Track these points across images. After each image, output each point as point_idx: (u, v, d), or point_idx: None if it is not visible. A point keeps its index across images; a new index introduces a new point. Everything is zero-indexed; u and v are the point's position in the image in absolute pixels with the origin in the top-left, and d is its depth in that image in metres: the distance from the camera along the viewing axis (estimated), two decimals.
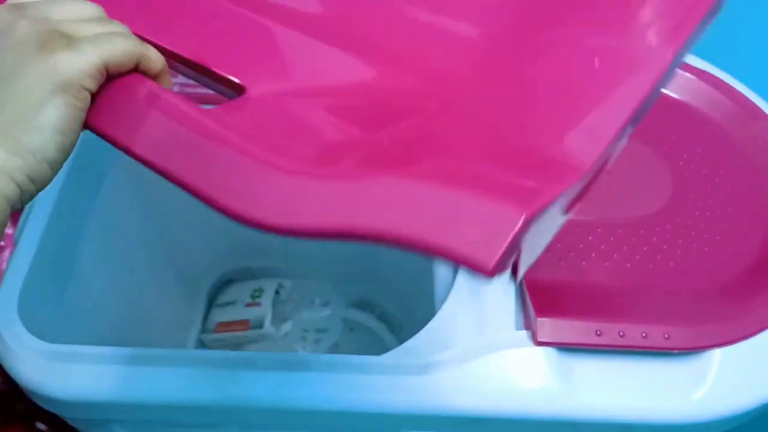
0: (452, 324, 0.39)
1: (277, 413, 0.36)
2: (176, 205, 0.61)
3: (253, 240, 0.72)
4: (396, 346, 0.69)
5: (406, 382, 0.35)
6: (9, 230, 0.93)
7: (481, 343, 0.37)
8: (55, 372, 0.36)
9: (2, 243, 0.92)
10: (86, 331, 0.46)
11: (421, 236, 0.20)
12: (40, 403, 0.37)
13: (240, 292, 0.72)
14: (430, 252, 0.20)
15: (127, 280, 0.57)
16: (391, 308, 0.77)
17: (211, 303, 0.73)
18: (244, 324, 0.68)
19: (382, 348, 0.73)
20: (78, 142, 0.45)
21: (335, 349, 0.69)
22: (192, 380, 0.36)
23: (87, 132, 0.46)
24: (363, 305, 0.78)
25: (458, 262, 0.20)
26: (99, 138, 0.47)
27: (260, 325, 0.68)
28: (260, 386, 0.35)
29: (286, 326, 0.71)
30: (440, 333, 0.39)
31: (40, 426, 0.44)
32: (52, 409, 0.38)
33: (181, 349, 0.50)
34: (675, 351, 0.36)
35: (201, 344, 0.70)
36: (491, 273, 0.19)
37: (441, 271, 0.57)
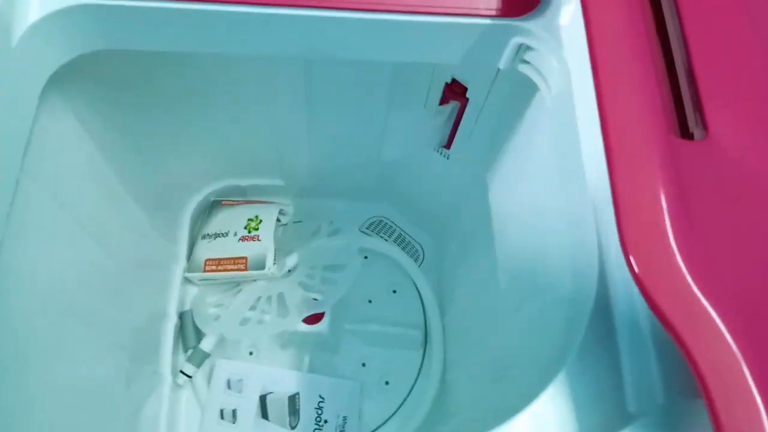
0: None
1: None
2: (135, 116, 0.45)
3: (241, 150, 0.56)
4: (418, 276, 0.59)
5: None
6: None
7: None
8: None
9: None
10: None
11: None
12: None
13: (231, 220, 0.57)
14: None
15: (75, 230, 0.41)
16: (411, 231, 0.65)
17: (194, 233, 0.59)
18: (239, 262, 0.55)
19: (403, 275, 0.60)
20: None
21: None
22: None
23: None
24: (378, 227, 0.65)
25: None
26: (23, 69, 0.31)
27: (261, 266, 0.54)
28: None
29: (291, 260, 0.57)
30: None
31: None
32: None
33: None
34: None
35: (188, 283, 0.57)
36: None
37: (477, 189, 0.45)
